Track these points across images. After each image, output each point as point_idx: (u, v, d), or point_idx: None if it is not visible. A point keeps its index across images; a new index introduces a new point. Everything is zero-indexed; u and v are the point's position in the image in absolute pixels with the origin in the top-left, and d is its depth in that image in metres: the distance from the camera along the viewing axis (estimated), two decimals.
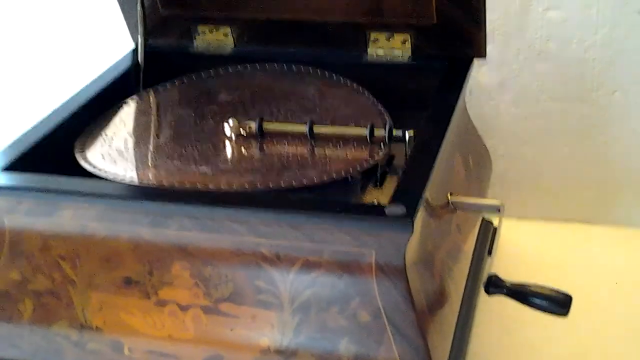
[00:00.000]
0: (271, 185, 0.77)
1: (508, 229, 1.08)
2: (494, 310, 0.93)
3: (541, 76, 1.06)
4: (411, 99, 0.95)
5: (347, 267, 0.71)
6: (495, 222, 1.05)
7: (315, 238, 0.71)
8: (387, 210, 0.70)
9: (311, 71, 0.97)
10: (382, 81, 0.95)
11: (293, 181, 0.78)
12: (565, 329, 0.91)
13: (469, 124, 0.99)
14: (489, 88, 1.07)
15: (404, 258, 0.70)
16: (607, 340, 0.90)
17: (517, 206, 1.11)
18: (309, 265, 0.72)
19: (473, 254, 0.92)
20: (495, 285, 0.81)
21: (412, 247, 0.71)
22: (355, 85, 0.94)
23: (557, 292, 0.79)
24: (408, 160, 0.78)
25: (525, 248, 1.05)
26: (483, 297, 0.93)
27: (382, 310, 0.70)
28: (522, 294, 0.80)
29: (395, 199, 0.71)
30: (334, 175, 0.80)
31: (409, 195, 0.72)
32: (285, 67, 0.98)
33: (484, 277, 0.82)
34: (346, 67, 0.97)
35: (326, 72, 0.96)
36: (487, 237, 0.98)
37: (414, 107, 0.91)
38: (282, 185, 0.78)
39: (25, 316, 0.79)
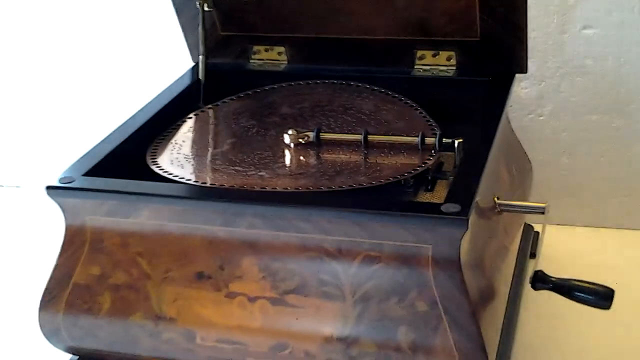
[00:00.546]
0: (334, 187, 0.83)
1: (548, 236, 1.13)
2: (539, 306, 0.99)
3: (579, 90, 1.12)
4: (456, 112, 1.01)
5: (405, 260, 0.77)
6: (540, 226, 1.11)
7: (376, 234, 0.77)
8: (443, 208, 0.76)
9: (363, 87, 1.03)
10: (428, 96, 1.01)
11: (347, 184, 0.84)
12: (605, 324, 0.96)
13: (511, 135, 1.05)
14: (529, 102, 1.13)
15: (459, 252, 0.75)
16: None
17: (557, 213, 1.16)
18: (369, 259, 0.78)
19: (517, 254, 0.97)
20: (541, 281, 0.86)
21: (466, 243, 0.77)
22: (405, 99, 1.00)
23: (600, 286, 0.84)
24: (460, 164, 0.84)
25: (565, 252, 1.11)
26: (529, 293, 0.99)
27: (438, 301, 0.76)
28: (567, 288, 0.85)
29: (450, 198, 0.77)
30: (389, 179, 0.86)
31: (463, 195, 0.78)
32: (338, 83, 1.05)
33: (529, 275, 0.88)
34: (394, 82, 1.03)
35: (377, 88, 1.02)
36: (529, 239, 1.04)
37: (459, 120, 0.97)
38: (336, 188, 0.84)
39: (104, 308, 0.85)
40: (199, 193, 0.83)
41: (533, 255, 1.09)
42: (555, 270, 1.06)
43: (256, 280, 0.81)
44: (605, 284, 0.87)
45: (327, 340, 0.80)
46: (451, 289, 0.76)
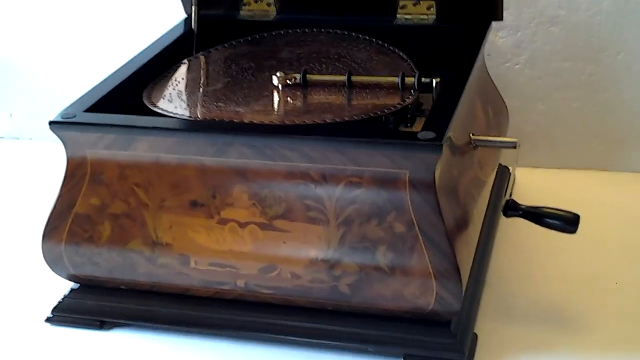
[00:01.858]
0: (318, 121, 0.89)
1: (522, 178, 1.20)
2: (512, 236, 1.05)
3: (553, 39, 1.18)
4: (436, 57, 1.06)
5: (384, 185, 0.83)
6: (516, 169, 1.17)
7: (358, 161, 0.83)
8: (419, 135, 0.81)
9: (347, 34, 1.09)
10: (410, 43, 1.07)
11: (331, 119, 0.90)
12: (574, 253, 1.03)
13: (488, 80, 1.11)
14: (506, 51, 1.19)
15: (434, 176, 0.81)
16: (612, 264, 1.02)
17: (532, 156, 1.22)
18: (351, 185, 0.84)
19: (492, 189, 1.04)
20: (512, 208, 0.92)
21: (441, 168, 0.83)
22: (387, 45, 1.06)
23: (567, 212, 0.90)
24: (437, 99, 0.89)
25: (538, 192, 1.17)
26: (503, 224, 1.05)
27: (415, 222, 0.82)
28: (536, 215, 0.91)
29: (426, 127, 0.83)
30: (370, 115, 0.92)
31: (438, 124, 0.84)
32: (340, 33, 1.10)
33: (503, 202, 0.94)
34: (377, 30, 1.09)
35: (360, 35, 1.08)
36: (504, 179, 1.10)
37: (439, 65, 1.03)
38: (320, 122, 0.89)
39: (104, 237, 0.91)
40: (192, 125, 0.89)
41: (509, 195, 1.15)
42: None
43: (246, 207, 0.87)
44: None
45: (312, 262, 0.86)
46: (426, 210, 0.82)
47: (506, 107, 1.14)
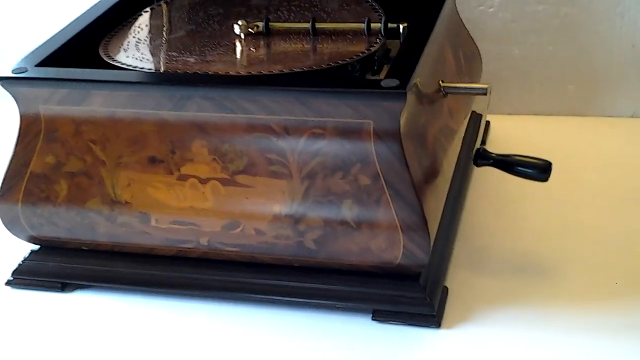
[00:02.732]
0: (278, 71, 0.85)
1: (499, 125, 1.17)
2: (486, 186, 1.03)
3: None
4: (406, 3, 1.02)
5: (348, 136, 0.80)
6: (490, 117, 1.15)
7: (320, 111, 0.80)
8: (383, 83, 0.78)
9: None
10: None
11: (295, 68, 0.86)
12: (549, 202, 1.00)
13: (459, 24, 1.07)
14: None
15: (399, 125, 0.78)
16: (586, 212, 0.99)
17: (508, 103, 1.19)
18: (314, 137, 0.80)
19: (465, 138, 1.01)
20: (482, 157, 0.90)
21: (405, 117, 0.79)
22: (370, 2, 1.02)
23: (539, 159, 0.88)
24: (401, 46, 0.86)
25: (515, 141, 1.14)
26: (475, 175, 1.02)
27: (380, 173, 0.79)
28: (507, 163, 0.89)
29: (389, 75, 0.80)
30: (333, 63, 0.88)
31: (402, 71, 0.80)
32: None
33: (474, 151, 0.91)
34: None
35: None
36: (477, 126, 1.07)
37: (409, 11, 0.99)
38: (281, 71, 0.86)
39: (61, 196, 0.88)
40: (148, 78, 0.85)
41: (483, 143, 1.12)
42: None
43: (207, 162, 0.84)
44: (557, 167, 0.91)
45: (276, 217, 0.83)
46: (392, 161, 0.79)
47: (479, 52, 1.10)
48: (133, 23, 1.00)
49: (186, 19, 1.01)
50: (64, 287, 0.92)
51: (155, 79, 0.85)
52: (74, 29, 0.95)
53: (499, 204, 1.01)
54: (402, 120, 0.79)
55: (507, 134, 1.15)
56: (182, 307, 0.89)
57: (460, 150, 0.98)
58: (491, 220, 0.98)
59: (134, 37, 0.97)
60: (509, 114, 1.20)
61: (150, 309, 0.89)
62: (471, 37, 1.09)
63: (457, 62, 1.01)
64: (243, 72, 0.87)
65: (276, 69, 0.86)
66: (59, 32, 0.95)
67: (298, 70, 0.85)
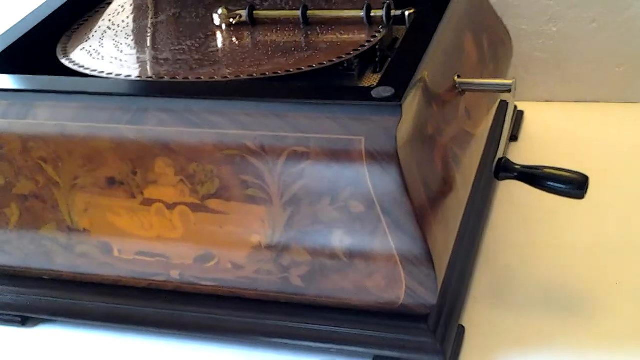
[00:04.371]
0: (257, 75, 0.72)
1: (534, 113, 1.02)
2: (513, 199, 0.88)
3: None
4: None
5: (336, 155, 0.66)
6: (525, 104, 0.99)
7: (301, 127, 0.66)
8: (374, 93, 0.64)
9: None
10: None
11: (281, 70, 0.73)
12: (588, 216, 0.85)
13: (483, 2, 0.92)
14: None
15: (396, 143, 0.64)
16: (634, 228, 0.84)
17: (544, 89, 1.04)
18: (296, 156, 0.67)
19: (488, 140, 0.86)
20: (505, 169, 0.75)
21: (405, 131, 0.65)
22: None
23: (573, 172, 0.73)
24: (402, 39, 0.72)
25: (553, 133, 0.99)
26: (502, 186, 0.88)
27: (375, 200, 0.65)
28: (535, 177, 0.74)
29: (383, 80, 0.66)
30: (327, 61, 0.74)
31: (399, 76, 0.66)
32: None
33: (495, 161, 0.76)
34: None
35: None
36: (502, 121, 0.92)
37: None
38: (270, 74, 0.73)
39: (12, 221, 0.76)
40: (97, 87, 0.72)
41: (514, 138, 0.98)
42: (538, 154, 0.95)
43: (173, 185, 0.71)
44: (591, 167, 0.76)
45: (255, 249, 0.70)
46: (389, 185, 0.65)
47: (508, 34, 0.95)
48: (96, 16, 0.87)
49: (162, 6, 0.87)
50: (24, 322, 0.81)
51: (105, 88, 0.72)
52: (28, 24, 0.82)
53: (528, 220, 0.86)
54: (401, 135, 0.65)
55: (544, 125, 1.00)
56: (155, 345, 0.78)
57: (483, 155, 0.84)
58: (518, 241, 0.83)
59: (98, 33, 0.84)
60: (546, 101, 1.05)
61: (119, 346, 0.78)
62: (498, 16, 0.94)
63: (480, 50, 0.86)
64: (219, 76, 0.73)
65: (249, 72, 0.72)
66: (10, 28, 0.82)
67: (275, 74, 0.72)
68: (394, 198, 0.65)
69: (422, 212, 0.66)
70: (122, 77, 0.74)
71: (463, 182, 0.76)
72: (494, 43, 0.90)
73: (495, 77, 0.88)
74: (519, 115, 1.01)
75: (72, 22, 0.86)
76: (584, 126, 1.00)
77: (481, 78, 0.83)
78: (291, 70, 0.73)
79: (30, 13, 0.84)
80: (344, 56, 0.75)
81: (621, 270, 0.79)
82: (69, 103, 0.71)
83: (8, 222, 0.76)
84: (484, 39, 0.88)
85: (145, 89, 0.71)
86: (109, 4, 0.90)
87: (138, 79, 0.73)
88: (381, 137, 0.64)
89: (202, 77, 0.73)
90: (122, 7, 0.88)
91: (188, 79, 0.73)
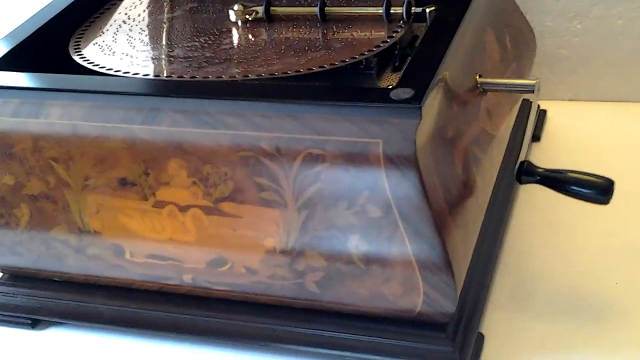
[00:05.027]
0: (265, 75, 0.70)
1: (557, 114, 0.99)
2: (535, 202, 0.85)
3: None
4: None
5: (353, 159, 0.64)
6: (549, 103, 0.97)
7: (317, 129, 0.64)
8: (393, 95, 0.62)
9: None
10: None
11: (290, 70, 0.71)
12: (612, 221, 0.82)
13: None
14: None
15: (415, 147, 0.62)
16: None
17: (568, 87, 1.01)
18: (312, 159, 0.65)
19: (510, 141, 0.84)
20: (527, 173, 0.73)
21: (424, 134, 0.63)
22: None
23: (597, 177, 0.71)
24: (422, 38, 0.69)
25: (576, 133, 0.96)
26: (523, 189, 0.86)
27: (393, 205, 0.63)
28: (558, 181, 0.72)
29: (403, 81, 0.64)
30: (347, 60, 0.72)
31: (419, 76, 0.64)
32: None
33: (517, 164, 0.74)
34: None
35: None
36: (526, 121, 0.89)
37: None
38: (289, 73, 0.71)
39: (22, 222, 0.74)
40: (110, 86, 0.70)
41: (537, 138, 0.95)
42: (562, 155, 0.92)
43: (186, 187, 0.69)
44: (616, 169, 0.74)
45: (269, 253, 0.68)
46: (407, 190, 0.63)
47: (532, 31, 0.92)
48: (110, 11, 0.86)
49: (163, 10, 0.85)
50: (35, 324, 0.80)
51: (117, 87, 0.70)
52: (41, 20, 0.81)
53: (550, 224, 0.83)
54: (420, 138, 0.62)
55: (567, 125, 0.97)
56: (166, 349, 0.76)
57: (505, 157, 0.82)
58: (540, 246, 0.81)
59: (111, 30, 0.82)
60: (570, 100, 1.02)
61: (130, 350, 0.76)
62: (521, 13, 0.91)
63: (502, 48, 0.84)
64: (233, 74, 0.71)
65: (266, 71, 0.70)
66: (24, 23, 0.81)
67: (293, 73, 0.69)
68: (412, 203, 0.63)
69: (441, 217, 0.64)
70: (138, 75, 0.72)
71: (483, 186, 0.73)
72: (517, 41, 0.88)
73: (518, 77, 0.86)
74: (541, 115, 0.98)
75: (88, 16, 0.85)
76: (608, 126, 0.97)
77: (504, 77, 0.81)
78: (301, 70, 0.71)
79: (45, 7, 0.83)
80: (357, 56, 0.73)
81: None
82: (81, 102, 0.69)
83: (18, 223, 0.75)
84: (507, 37, 0.85)
85: (160, 88, 0.69)
86: (119, 1, 0.88)
87: (153, 77, 0.72)
88: (400, 140, 0.62)
89: (210, 76, 0.71)
90: (127, 9, 0.86)
91: (195, 77, 0.71)
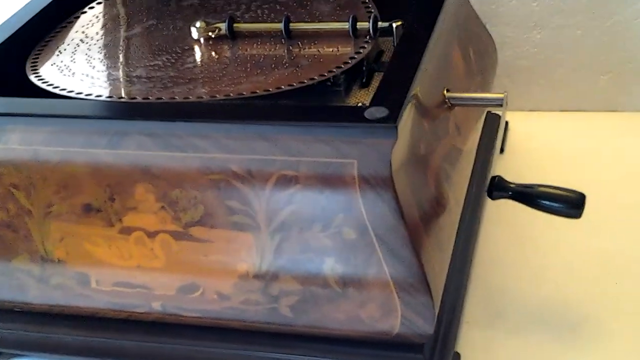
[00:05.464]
0: (233, 95, 0.68)
1: (518, 125, 0.99)
2: (503, 216, 0.85)
3: None
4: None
5: (327, 180, 0.63)
6: (512, 114, 0.97)
7: (290, 150, 0.63)
8: (367, 114, 0.61)
9: None
10: None
11: (266, 88, 0.69)
12: (579, 230, 0.82)
13: (468, 9, 0.89)
14: None
15: (390, 167, 0.61)
16: (627, 241, 0.82)
17: (528, 98, 1.01)
18: (285, 181, 0.63)
19: (477, 154, 0.83)
20: (499, 188, 0.72)
21: (399, 153, 0.62)
22: None
23: (569, 191, 0.71)
24: (392, 54, 0.69)
25: (539, 143, 0.96)
26: (491, 202, 0.85)
27: (369, 226, 0.62)
28: (530, 196, 0.71)
29: (376, 99, 0.63)
30: (315, 77, 0.71)
31: (393, 94, 0.63)
32: None
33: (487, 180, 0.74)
34: None
35: None
36: (494, 133, 0.89)
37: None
38: (255, 92, 0.70)
39: None
40: (72, 109, 0.68)
41: (501, 150, 0.95)
42: (528, 166, 0.93)
43: (154, 212, 0.67)
44: (580, 179, 0.74)
45: (242, 278, 0.66)
46: (383, 211, 0.62)
47: (493, 43, 0.92)
48: (66, 29, 0.83)
49: (137, 17, 0.83)
50: None
51: (81, 110, 0.68)
52: (4, 33, 0.78)
53: (518, 237, 0.83)
54: (395, 157, 0.61)
55: (529, 135, 0.98)
56: None
57: (472, 171, 0.81)
58: (509, 259, 0.81)
59: (68, 49, 0.80)
60: (530, 110, 1.02)
61: None
62: (483, 24, 0.91)
63: (466, 61, 0.83)
64: (197, 95, 0.70)
65: (234, 90, 0.69)
66: None
67: (262, 92, 0.68)
68: (389, 224, 0.62)
69: (417, 237, 0.63)
70: (101, 97, 0.70)
71: (455, 202, 0.73)
72: (480, 53, 0.88)
73: (483, 89, 0.86)
74: (504, 126, 0.98)
75: (44, 34, 0.82)
76: (570, 136, 0.97)
77: (470, 92, 0.81)
78: (270, 89, 0.70)
79: (10, 18, 0.80)
80: (326, 74, 0.71)
81: (619, 284, 0.76)
82: (42, 127, 0.67)
83: None
84: (470, 49, 0.85)
85: (125, 110, 0.67)
86: (84, 13, 0.85)
87: (117, 99, 0.69)
88: (375, 160, 0.61)
89: (177, 97, 0.70)
90: (97, 17, 0.84)
91: (161, 98, 0.69)
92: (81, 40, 0.81)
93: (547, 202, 0.71)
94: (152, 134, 0.65)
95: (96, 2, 0.87)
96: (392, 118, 0.60)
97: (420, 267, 0.62)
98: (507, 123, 0.99)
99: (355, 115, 0.62)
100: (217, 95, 0.68)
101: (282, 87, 0.69)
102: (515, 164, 0.93)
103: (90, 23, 0.84)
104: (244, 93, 0.68)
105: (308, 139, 0.62)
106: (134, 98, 0.69)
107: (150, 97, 0.69)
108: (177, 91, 0.70)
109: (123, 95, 0.70)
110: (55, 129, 0.67)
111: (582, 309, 0.75)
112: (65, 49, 0.80)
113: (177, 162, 0.65)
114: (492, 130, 0.89)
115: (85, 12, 0.86)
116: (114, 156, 0.66)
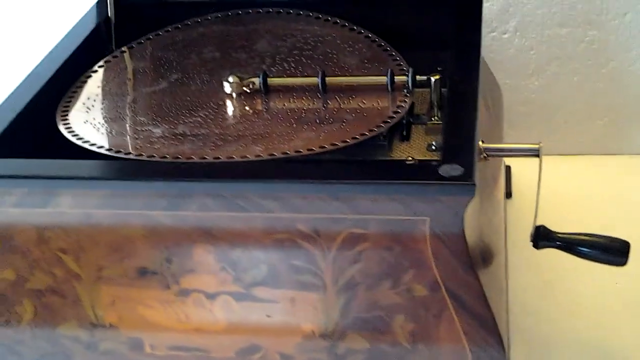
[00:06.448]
0: (291, 152, 0.68)
1: (519, 169, 1.01)
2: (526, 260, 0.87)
3: (546, 0, 0.98)
4: (418, 39, 0.86)
5: (397, 237, 0.63)
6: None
7: (360, 208, 0.63)
8: (442, 171, 0.61)
9: (303, 14, 0.87)
10: (381, 21, 0.86)
11: (320, 144, 0.69)
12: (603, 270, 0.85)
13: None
14: (491, 17, 0.99)
15: (463, 224, 0.62)
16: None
17: (527, 141, 1.03)
18: (353, 239, 0.63)
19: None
20: (545, 238, 0.74)
21: (470, 211, 0.63)
22: (356, 27, 0.85)
23: (612, 239, 0.72)
24: (448, 110, 0.69)
25: (545, 187, 0.98)
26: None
27: (441, 283, 0.63)
28: (576, 245, 0.73)
29: (447, 157, 0.63)
30: (366, 133, 0.70)
31: (461, 151, 0.64)
32: (272, 10, 0.88)
33: (532, 229, 0.75)
34: (338, 7, 0.87)
35: (322, 16, 0.87)
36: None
37: (421, 48, 0.83)
38: (312, 149, 0.68)
39: (25, 319, 0.69)
40: (132, 170, 0.66)
41: (509, 195, 0.97)
42: (527, 209, 0.94)
43: (214, 273, 0.66)
44: (580, 219, 0.75)
45: (307, 338, 0.66)
46: (455, 265, 0.63)
47: (500, 90, 0.95)
48: (87, 83, 0.81)
49: (153, 74, 0.82)
50: None
51: (141, 172, 0.66)
52: (21, 100, 0.75)
53: (545, 281, 0.85)
54: (467, 214, 0.62)
55: (531, 180, 0.99)
56: None
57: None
58: (541, 305, 0.82)
59: (93, 104, 0.78)
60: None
61: None
62: (492, 73, 0.93)
63: (487, 110, 0.85)
64: (252, 154, 0.68)
65: (289, 147, 0.68)
66: (4, 103, 0.75)
67: (318, 150, 0.68)
68: (460, 278, 0.63)
69: (486, 289, 0.64)
70: (154, 157, 0.68)
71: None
72: (494, 101, 0.90)
73: (500, 136, 0.88)
74: (507, 171, 1.00)
75: (65, 90, 0.80)
76: (572, 179, 1.00)
77: (495, 140, 0.82)
78: (326, 146, 0.69)
79: (26, 78, 0.77)
80: (375, 129, 0.71)
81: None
82: (96, 190, 0.65)
83: (20, 320, 0.69)
84: (489, 99, 0.87)
85: (186, 171, 0.65)
86: (101, 66, 0.83)
87: (174, 159, 0.68)
88: (448, 216, 0.62)
89: (234, 156, 0.68)
90: (117, 71, 0.82)
91: (219, 158, 0.68)
92: (108, 94, 0.79)
93: (593, 251, 0.73)
94: (216, 195, 0.64)
95: (112, 55, 0.85)
96: (468, 175, 0.61)
97: (492, 320, 0.63)
98: (509, 167, 1.01)
99: (429, 173, 0.62)
100: (275, 154, 0.68)
101: (337, 143, 0.69)
102: (525, 209, 0.95)
103: (110, 77, 0.82)
104: (301, 150, 0.68)
105: (379, 198, 0.62)
106: (191, 158, 0.68)
107: (208, 157, 0.68)
108: (231, 150, 0.69)
109: (177, 154, 0.69)
110: (109, 193, 0.65)
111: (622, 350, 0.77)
112: (93, 105, 0.77)
113: (240, 223, 0.64)
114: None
115: (102, 65, 0.84)
116: (173, 218, 0.65)
